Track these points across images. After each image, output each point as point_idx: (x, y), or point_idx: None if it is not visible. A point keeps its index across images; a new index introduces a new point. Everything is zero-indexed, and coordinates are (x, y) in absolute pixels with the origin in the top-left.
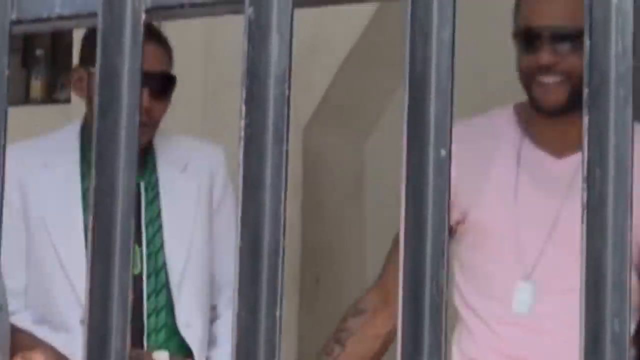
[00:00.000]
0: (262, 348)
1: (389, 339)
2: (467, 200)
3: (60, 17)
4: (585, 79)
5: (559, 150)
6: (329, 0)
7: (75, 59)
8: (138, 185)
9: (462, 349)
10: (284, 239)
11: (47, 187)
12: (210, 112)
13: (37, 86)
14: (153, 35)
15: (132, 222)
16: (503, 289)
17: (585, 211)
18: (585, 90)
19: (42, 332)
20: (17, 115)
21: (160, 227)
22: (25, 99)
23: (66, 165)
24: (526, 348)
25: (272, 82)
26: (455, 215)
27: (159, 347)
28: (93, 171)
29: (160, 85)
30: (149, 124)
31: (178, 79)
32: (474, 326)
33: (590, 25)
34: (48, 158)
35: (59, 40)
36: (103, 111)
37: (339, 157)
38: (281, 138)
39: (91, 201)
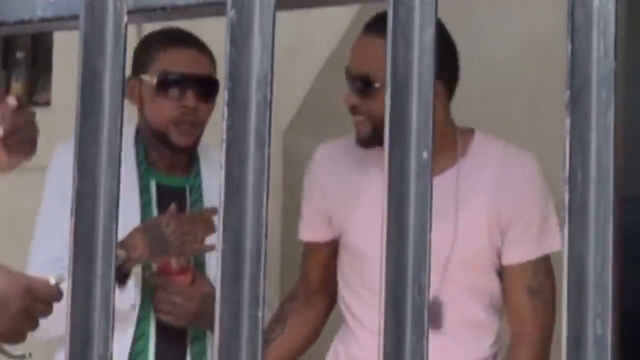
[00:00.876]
0: (244, 348)
1: (324, 319)
2: (340, 222)
3: (43, 20)
4: (568, 81)
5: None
6: (310, 2)
7: (57, 61)
8: (184, 188)
9: (347, 347)
10: (266, 241)
11: None
12: None
13: (17, 88)
14: (196, 42)
15: (116, 225)
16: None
17: (567, 213)
18: (567, 93)
19: None
20: None
21: None
22: None
23: (125, 166)
24: None
25: (254, 85)
26: (336, 232)
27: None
28: (74, 173)
29: (204, 87)
30: (196, 124)
31: None
32: (357, 330)
33: (572, 28)
34: None
35: (40, 42)
36: (85, 113)
37: None
38: (263, 141)
39: (73, 203)
